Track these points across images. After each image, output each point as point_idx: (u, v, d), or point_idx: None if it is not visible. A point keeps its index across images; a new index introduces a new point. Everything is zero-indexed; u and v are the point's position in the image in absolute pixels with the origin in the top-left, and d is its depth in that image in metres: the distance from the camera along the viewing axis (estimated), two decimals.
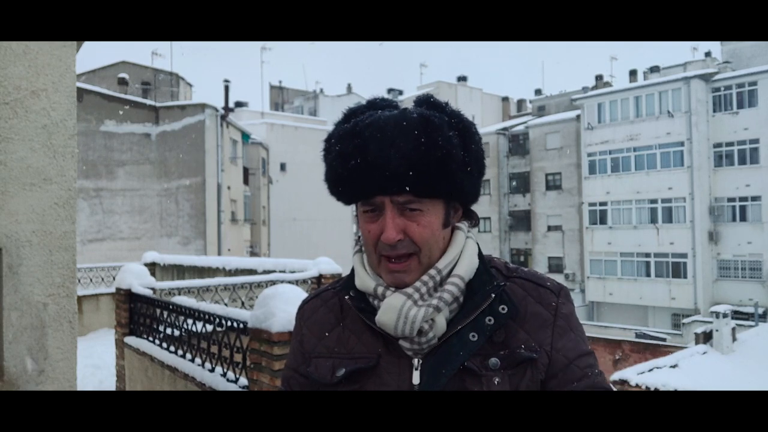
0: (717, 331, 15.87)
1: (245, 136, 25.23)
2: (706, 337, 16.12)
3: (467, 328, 0.97)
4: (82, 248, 16.94)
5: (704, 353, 15.39)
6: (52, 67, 2.02)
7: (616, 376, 13.83)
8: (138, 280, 6.30)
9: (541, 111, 37.96)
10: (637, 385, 13.02)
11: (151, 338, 5.67)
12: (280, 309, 3.49)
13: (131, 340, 6.01)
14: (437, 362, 0.96)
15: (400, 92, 46.42)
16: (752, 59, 28.03)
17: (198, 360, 4.63)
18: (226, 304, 7.37)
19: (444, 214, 1.00)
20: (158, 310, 5.54)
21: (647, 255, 28.35)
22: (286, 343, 3.43)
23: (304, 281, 8.25)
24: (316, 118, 40.31)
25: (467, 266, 1.00)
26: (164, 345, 5.27)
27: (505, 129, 36.94)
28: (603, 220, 30.01)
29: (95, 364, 8.08)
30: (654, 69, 32.27)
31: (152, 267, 10.98)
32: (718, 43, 31.31)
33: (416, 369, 0.97)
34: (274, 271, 9.05)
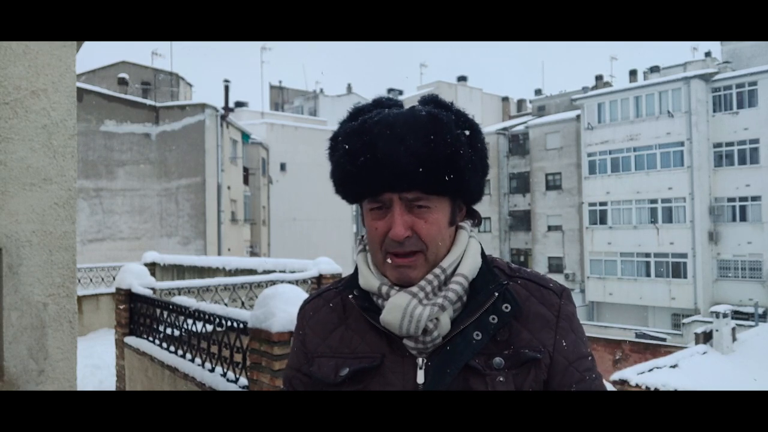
0: (717, 331, 15.86)
1: (245, 136, 25.23)
2: (706, 337, 16.11)
3: (471, 327, 0.97)
4: (82, 248, 16.94)
5: (704, 353, 15.39)
6: (52, 67, 2.02)
7: (616, 376, 13.83)
8: (138, 280, 6.30)
9: (541, 111, 37.95)
10: (637, 385, 13.02)
11: (151, 338, 5.67)
12: (280, 309, 3.49)
13: (131, 340, 6.01)
14: (442, 361, 0.96)
15: (400, 92, 46.36)
16: (752, 59, 28.02)
17: (198, 360, 4.63)
18: (226, 304, 7.37)
19: (450, 213, 1.00)
20: (158, 310, 5.54)
21: (647, 255, 28.35)
22: (286, 343, 3.43)
23: (304, 281, 8.25)
24: (316, 118, 40.30)
25: (471, 265, 1.01)
26: (164, 345, 5.27)
27: (505, 129, 36.93)
28: (603, 220, 30.00)
29: (95, 364, 8.08)
30: (654, 69, 32.27)
31: (152, 267, 10.97)
32: (718, 43, 31.32)
33: (420, 368, 0.97)
34: (274, 271, 9.05)
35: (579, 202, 31.53)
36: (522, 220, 35.39)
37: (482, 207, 1.10)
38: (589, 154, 30.52)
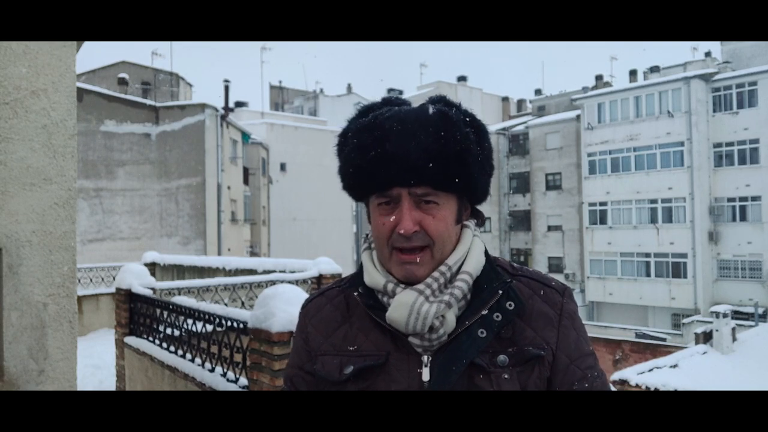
0: (717, 331, 15.86)
1: (245, 136, 25.22)
2: (706, 337, 16.11)
3: (476, 324, 0.97)
4: (82, 248, 16.94)
5: (704, 353, 15.38)
6: (52, 67, 2.02)
7: (616, 376, 13.82)
8: (138, 280, 6.29)
9: (541, 111, 37.96)
10: (637, 385, 13.02)
11: (151, 338, 5.67)
12: (280, 309, 3.49)
13: (131, 340, 6.00)
14: (447, 359, 0.96)
15: (400, 92, 46.37)
16: (752, 59, 28.02)
17: (198, 360, 4.63)
18: (226, 304, 7.37)
19: (457, 210, 1.01)
20: (158, 310, 5.54)
21: (647, 255, 28.35)
22: (286, 343, 3.43)
23: (304, 281, 8.25)
24: (316, 118, 40.28)
25: (475, 263, 1.01)
26: (164, 345, 5.27)
27: (505, 129, 36.93)
28: (603, 220, 30.00)
29: (95, 364, 8.08)
30: (654, 69, 32.27)
31: (152, 267, 10.97)
32: (718, 43, 31.32)
33: (426, 366, 0.97)
34: (274, 271, 9.05)
35: (579, 202, 31.54)
36: (522, 220, 35.40)
37: (482, 207, 1.10)
38: (589, 154, 30.52)
